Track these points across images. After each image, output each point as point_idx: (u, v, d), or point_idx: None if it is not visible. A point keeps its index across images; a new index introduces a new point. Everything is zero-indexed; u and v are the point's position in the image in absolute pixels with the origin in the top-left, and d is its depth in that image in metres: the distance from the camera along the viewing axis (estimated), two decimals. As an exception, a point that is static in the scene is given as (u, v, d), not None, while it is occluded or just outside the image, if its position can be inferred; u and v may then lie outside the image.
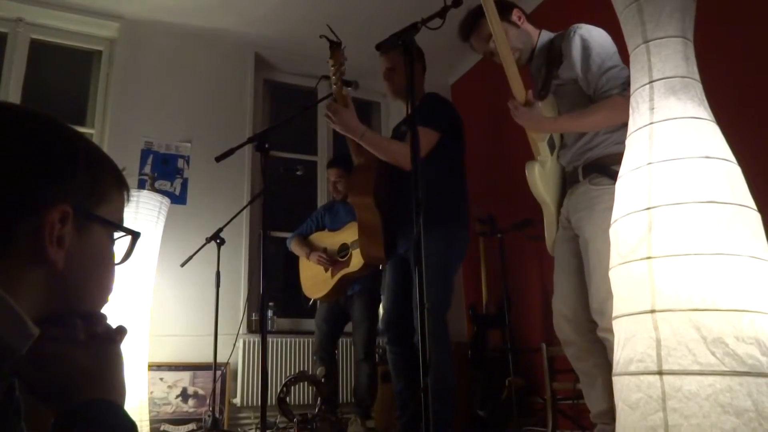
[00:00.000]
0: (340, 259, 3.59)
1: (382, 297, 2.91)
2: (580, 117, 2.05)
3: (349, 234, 3.58)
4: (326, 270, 3.62)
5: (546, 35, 2.26)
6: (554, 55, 2.18)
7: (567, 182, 2.23)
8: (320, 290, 3.64)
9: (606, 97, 1.99)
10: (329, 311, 3.77)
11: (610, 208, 1.97)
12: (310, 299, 3.79)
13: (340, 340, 3.92)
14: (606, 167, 2.03)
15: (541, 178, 2.20)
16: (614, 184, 1.97)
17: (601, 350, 2.02)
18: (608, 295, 1.93)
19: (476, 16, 2.27)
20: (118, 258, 0.74)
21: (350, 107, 2.60)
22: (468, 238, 2.80)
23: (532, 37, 2.27)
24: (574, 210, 2.14)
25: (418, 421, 2.65)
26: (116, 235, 0.73)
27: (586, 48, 2.05)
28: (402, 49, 2.75)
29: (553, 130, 2.17)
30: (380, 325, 2.89)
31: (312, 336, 3.86)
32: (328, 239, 3.73)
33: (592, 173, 2.08)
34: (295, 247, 3.81)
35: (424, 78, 2.98)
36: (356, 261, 3.43)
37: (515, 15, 2.27)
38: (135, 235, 0.74)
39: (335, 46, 2.55)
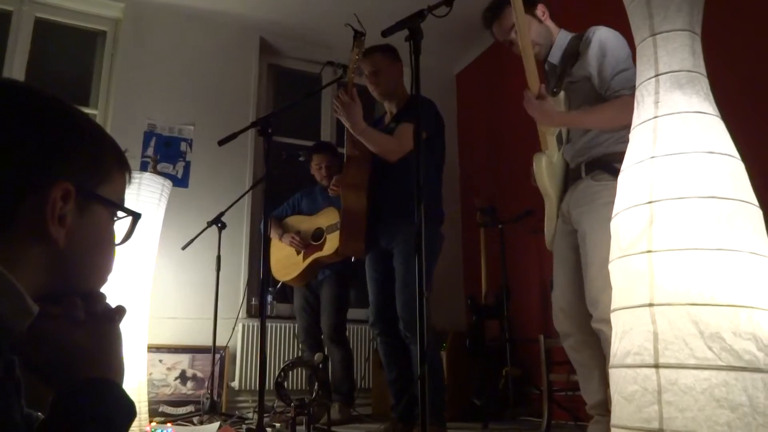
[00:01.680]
0: (314, 243, 3.57)
1: (369, 285, 2.91)
2: (590, 113, 2.08)
3: (325, 218, 3.57)
4: (298, 253, 3.60)
5: (564, 34, 2.28)
6: (571, 53, 2.21)
7: (569, 178, 2.25)
8: (290, 273, 3.62)
9: (617, 97, 2.00)
10: (305, 299, 3.76)
11: (610, 203, 2.01)
12: (278, 282, 3.78)
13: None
14: (608, 164, 2.07)
15: (548, 170, 2.22)
16: (616, 180, 2.01)
17: (598, 342, 2.04)
18: (603, 288, 1.97)
19: (501, 4, 2.29)
20: (118, 239, 0.74)
21: (357, 101, 2.65)
22: (443, 235, 2.84)
23: (552, 34, 2.29)
24: (575, 205, 2.16)
25: (413, 409, 2.69)
26: (117, 215, 0.73)
27: (602, 48, 2.08)
28: (385, 49, 2.79)
29: (563, 124, 2.18)
30: (369, 316, 2.90)
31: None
32: (304, 223, 3.72)
33: (595, 170, 2.11)
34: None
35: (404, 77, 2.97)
36: (330, 246, 3.42)
37: (540, 10, 2.28)
38: (136, 216, 0.74)
39: (359, 36, 2.58)
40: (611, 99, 2.03)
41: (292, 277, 3.63)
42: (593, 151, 2.13)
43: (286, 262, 3.66)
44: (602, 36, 2.11)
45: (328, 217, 3.55)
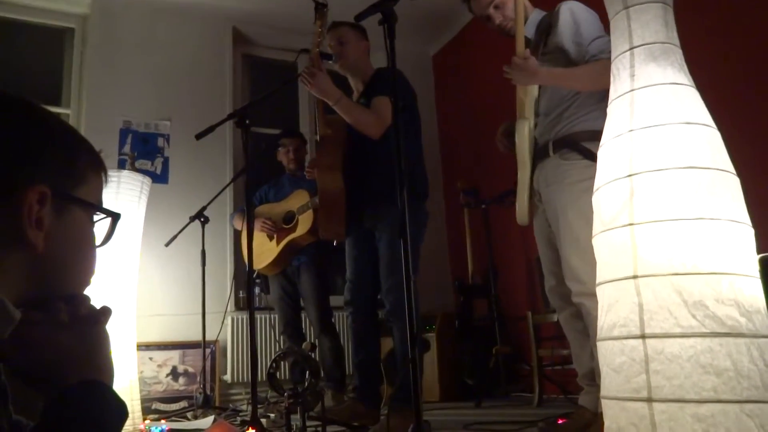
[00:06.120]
0: (286, 226, 3.54)
1: (348, 262, 2.86)
2: (573, 71, 2.09)
3: (295, 201, 3.54)
4: (271, 238, 3.57)
5: (538, 12, 2.31)
6: (543, 27, 2.25)
7: (537, 156, 2.26)
8: (265, 259, 3.57)
9: (596, 60, 2.02)
10: (282, 288, 3.71)
11: (580, 182, 2.05)
12: (255, 272, 3.76)
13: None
14: (576, 143, 2.10)
15: (529, 138, 2.23)
16: (583, 159, 2.05)
17: (593, 311, 2.08)
18: (578, 264, 2.00)
19: None
20: (99, 240, 0.73)
21: (324, 71, 2.60)
22: (427, 210, 2.78)
23: (528, 11, 2.31)
24: (545, 184, 2.21)
25: (377, 389, 2.69)
26: (96, 217, 0.72)
27: (575, 18, 2.12)
28: (352, 24, 2.75)
29: (546, 81, 2.17)
30: (344, 295, 2.85)
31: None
32: (273, 209, 3.67)
33: (563, 148, 2.14)
34: (237, 221, 3.74)
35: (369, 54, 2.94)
36: (303, 226, 3.40)
37: None
38: (115, 217, 0.73)
39: (321, 9, 2.54)
40: (591, 62, 2.04)
41: (267, 264, 3.56)
42: (560, 129, 2.16)
43: (261, 249, 3.58)
44: (573, 7, 2.15)
45: (298, 200, 3.52)
